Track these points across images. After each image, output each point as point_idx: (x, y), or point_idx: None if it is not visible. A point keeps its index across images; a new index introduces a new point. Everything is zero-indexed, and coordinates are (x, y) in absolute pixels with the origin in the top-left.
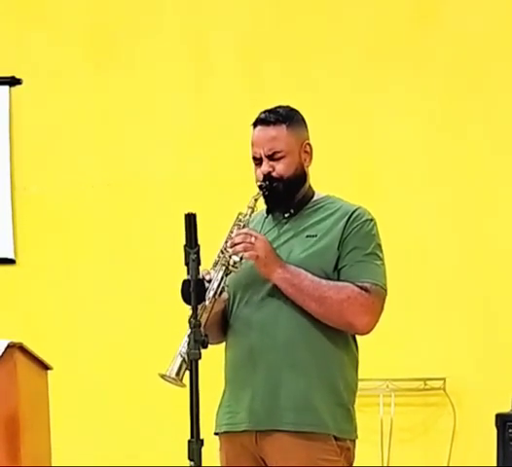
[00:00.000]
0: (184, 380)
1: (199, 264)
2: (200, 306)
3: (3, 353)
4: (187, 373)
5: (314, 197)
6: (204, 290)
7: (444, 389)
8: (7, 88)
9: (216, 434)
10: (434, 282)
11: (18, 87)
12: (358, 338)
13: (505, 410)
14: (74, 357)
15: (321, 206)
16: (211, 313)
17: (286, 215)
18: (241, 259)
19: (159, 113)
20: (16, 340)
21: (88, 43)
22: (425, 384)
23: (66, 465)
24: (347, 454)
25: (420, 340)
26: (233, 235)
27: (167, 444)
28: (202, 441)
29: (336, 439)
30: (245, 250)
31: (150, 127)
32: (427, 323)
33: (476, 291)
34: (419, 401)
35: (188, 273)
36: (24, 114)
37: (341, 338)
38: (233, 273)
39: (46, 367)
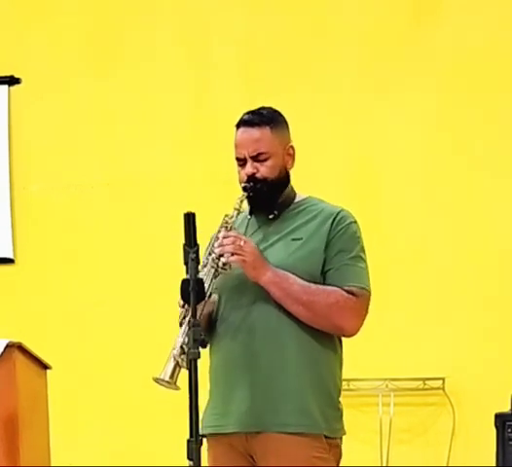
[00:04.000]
0: (179, 382)
1: (198, 263)
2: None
3: (2, 353)
4: (181, 374)
5: (296, 199)
6: (204, 289)
7: (443, 389)
8: (6, 87)
9: (202, 436)
10: (434, 282)
11: (17, 86)
12: (357, 338)
13: (505, 410)
14: (73, 357)
15: (304, 208)
16: (201, 315)
17: (270, 217)
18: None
19: (158, 113)
20: (15, 339)
21: (88, 43)
22: (425, 384)
23: (66, 465)
24: (336, 451)
25: (419, 339)
26: (220, 238)
27: (167, 444)
28: (202, 440)
29: (326, 437)
30: (234, 254)
31: (150, 128)
32: (427, 323)
33: (476, 291)
34: (418, 401)
35: (187, 273)
36: (24, 113)
37: (328, 338)
38: (221, 275)
39: (45, 366)
